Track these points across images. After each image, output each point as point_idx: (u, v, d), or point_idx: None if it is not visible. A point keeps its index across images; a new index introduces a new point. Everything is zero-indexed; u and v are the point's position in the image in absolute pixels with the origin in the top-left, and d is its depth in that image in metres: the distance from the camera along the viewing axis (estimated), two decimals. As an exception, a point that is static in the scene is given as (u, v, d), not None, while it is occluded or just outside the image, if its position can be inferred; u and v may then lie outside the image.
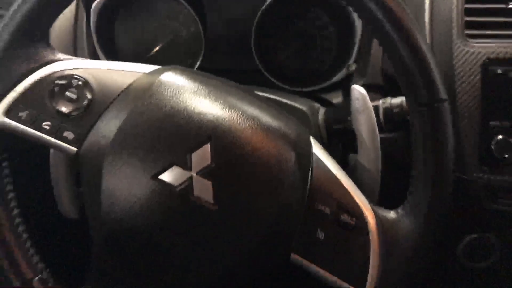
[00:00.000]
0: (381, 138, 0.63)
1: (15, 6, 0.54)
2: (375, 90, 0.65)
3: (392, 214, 0.56)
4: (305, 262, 0.54)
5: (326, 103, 0.81)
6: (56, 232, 0.88)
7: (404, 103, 0.64)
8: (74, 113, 0.54)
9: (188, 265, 0.52)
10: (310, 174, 0.54)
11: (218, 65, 0.89)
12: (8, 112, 0.53)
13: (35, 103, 0.54)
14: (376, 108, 0.64)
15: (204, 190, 0.50)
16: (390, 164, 0.65)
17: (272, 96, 0.73)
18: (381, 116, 0.65)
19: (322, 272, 0.54)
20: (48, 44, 0.57)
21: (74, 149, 0.53)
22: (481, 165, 0.71)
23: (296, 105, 0.73)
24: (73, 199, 0.68)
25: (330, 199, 0.54)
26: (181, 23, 0.88)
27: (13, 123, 0.54)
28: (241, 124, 0.52)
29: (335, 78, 0.82)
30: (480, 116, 0.70)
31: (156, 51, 0.89)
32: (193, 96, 0.53)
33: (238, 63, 0.90)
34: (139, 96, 0.53)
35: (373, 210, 0.55)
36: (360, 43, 0.80)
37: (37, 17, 0.55)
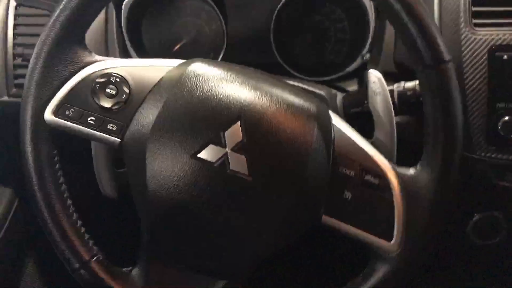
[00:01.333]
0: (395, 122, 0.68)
1: (54, 14, 0.60)
2: (388, 77, 0.69)
3: (411, 171, 0.60)
4: (335, 222, 0.59)
5: (342, 91, 0.85)
6: (99, 213, 0.94)
7: (417, 87, 0.69)
8: (115, 107, 0.59)
9: (231, 232, 0.58)
10: (332, 142, 0.59)
11: (239, 60, 0.94)
12: (57, 112, 0.59)
13: (80, 101, 0.60)
14: (391, 92, 0.69)
15: (238, 163, 0.56)
16: (402, 146, 0.70)
17: (291, 82, 0.79)
18: (395, 99, 0.70)
19: (352, 229, 0.59)
20: (85, 47, 0.63)
21: (118, 139, 0.59)
22: (488, 145, 0.75)
23: (315, 90, 0.79)
24: (112, 181, 0.74)
25: (353, 163, 0.59)
26: (204, 20, 0.93)
27: (62, 121, 0.60)
28: (266, 103, 0.58)
29: (350, 68, 0.87)
30: (487, 99, 0.74)
31: (180, 46, 0.94)
32: (220, 81, 0.59)
33: (257, 57, 0.94)
34: (172, 86, 0.59)
35: (394, 169, 0.60)
36: (373, 34, 0.85)
37: (75, 23, 0.60)
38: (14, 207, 0.96)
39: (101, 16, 0.86)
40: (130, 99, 0.60)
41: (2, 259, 0.92)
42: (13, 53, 0.86)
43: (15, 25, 0.87)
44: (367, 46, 0.86)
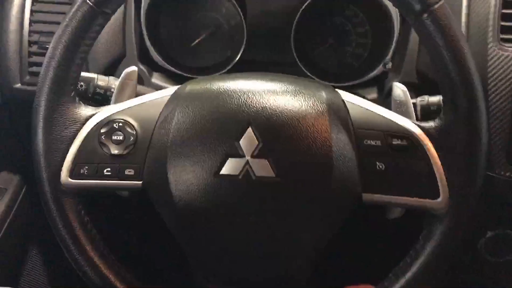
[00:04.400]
0: None
1: (39, 81, 0.59)
2: (409, 88, 0.68)
3: (436, 123, 0.58)
4: (377, 196, 0.57)
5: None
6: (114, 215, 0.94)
7: (441, 102, 0.68)
8: (127, 151, 0.59)
9: (278, 238, 0.57)
10: (349, 119, 0.58)
11: (256, 57, 0.93)
12: (72, 174, 0.59)
13: (91, 156, 0.59)
14: (414, 105, 0.68)
15: (262, 168, 0.55)
16: None
17: None
18: (418, 113, 0.68)
19: (395, 199, 0.57)
20: (79, 101, 0.62)
21: (138, 182, 0.59)
22: (509, 164, 0.74)
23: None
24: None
25: (376, 132, 0.57)
26: (223, 16, 0.92)
27: (80, 181, 0.59)
28: (272, 101, 0.57)
29: (371, 75, 0.85)
30: (511, 117, 0.73)
31: (198, 42, 0.93)
32: (220, 93, 0.58)
33: (276, 56, 0.93)
34: (175, 111, 0.58)
35: (418, 125, 0.58)
36: (397, 42, 0.84)
37: (62, 82, 0.59)
38: (21, 195, 0.95)
39: (119, 11, 0.85)
40: (138, 139, 0.59)
41: (8, 248, 0.91)
42: (29, 40, 0.84)
43: (32, 12, 0.85)
44: (390, 54, 0.84)
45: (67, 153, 0.59)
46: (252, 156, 0.55)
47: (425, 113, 0.69)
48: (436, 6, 0.54)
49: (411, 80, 0.81)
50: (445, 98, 0.57)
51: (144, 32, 0.87)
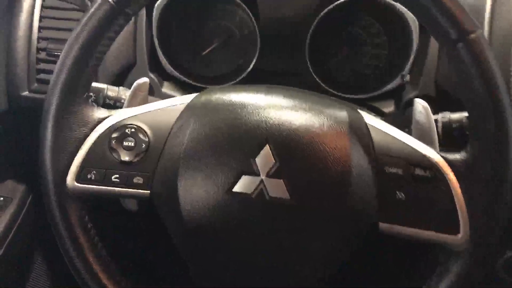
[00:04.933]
0: None
1: (52, 80, 0.57)
2: (427, 102, 0.65)
3: (462, 155, 0.55)
4: (394, 227, 0.54)
5: (377, 112, 0.82)
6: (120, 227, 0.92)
7: (464, 119, 0.65)
8: (137, 159, 0.57)
9: (287, 260, 0.55)
10: (371, 144, 0.55)
11: (270, 67, 0.91)
12: (78, 178, 0.57)
13: (100, 161, 0.57)
14: (435, 122, 0.65)
15: (277, 188, 0.53)
16: None
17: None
18: (439, 129, 0.66)
19: (413, 231, 0.54)
20: (92, 104, 0.60)
21: (146, 191, 0.57)
22: None
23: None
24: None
25: (398, 160, 0.54)
26: (236, 25, 0.90)
27: (86, 186, 0.57)
28: (292, 119, 0.55)
29: (388, 87, 0.83)
30: None
31: (210, 51, 0.91)
32: (239, 107, 0.56)
33: (289, 65, 0.91)
34: (190, 122, 0.56)
35: (442, 156, 0.55)
36: (416, 54, 0.81)
37: (75, 82, 0.57)
38: (26, 205, 0.94)
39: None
40: (150, 147, 0.57)
41: (13, 257, 0.90)
42: (37, 47, 0.83)
43: (41, 18, 0.84)
44: (408, 66, 0.81)
45: (75, 156, 0.57)
46: (268, 176, 0.53)
47: (446, 130, 0.66)
48: (473, 35, 0.51)
49: (430, 93, 0.79)
50: (473, 129, 0.55)
51: (155, 40, 0.85)
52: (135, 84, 0.66)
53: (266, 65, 0.89)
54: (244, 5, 0.84)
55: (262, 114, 0.55)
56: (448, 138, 0.66)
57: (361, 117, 0.57)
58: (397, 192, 0.54)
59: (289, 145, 0.53)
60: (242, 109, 0.56)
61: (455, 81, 0.55)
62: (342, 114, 0.56)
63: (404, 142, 0.55)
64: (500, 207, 0.53)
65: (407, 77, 0.81)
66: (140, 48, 0.84)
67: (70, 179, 0.57)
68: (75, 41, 0.56)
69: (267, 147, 0.53)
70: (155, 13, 0.85)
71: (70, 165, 0.57)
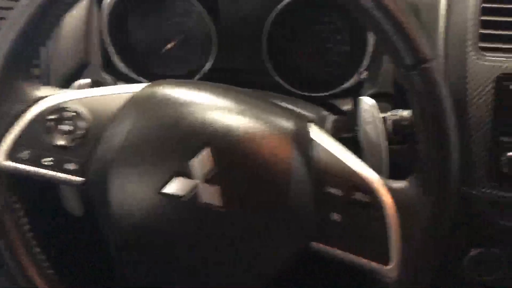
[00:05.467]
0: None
1: None
2: (385, 100, 0.64)
3: (405, 186, 0.54)
4: (326, 247, 0.53)
5: (336, 110, 0.80)
6: (62, 231, 0.89)
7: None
8: (72, 144, 0.55)
9: (210, 269, 0.53)
10: (312, 160, 0.53)
11: (230, 65, 0.89)
12: (10, 155, 0.55)
13: (33, 142, 0.55)
14: (384, 119, 0.64)
15: (210, 195, 0.51)
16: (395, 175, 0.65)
17: (278, 102, 0.73)
18: (389, 127, 0.64)
19: (344, 255, 0.53)
20: (33, 80, 0.58)
21: (79, 179, 0.55)
22: (489, 181, 0.70)
23: (304, 112, 0.73)
24: (77, 197, 0.69)
25: (339, 180, 0.53)
26: (194, 22, 0.88)
27: (17, 165, 0.55)
28: (237, 124, 0.53)
29: (346, 85, 0.81)
30: (491, 131, 0.68)
31: (169, 49, 0.89)
32: (183, 105, 0.54)
33: (249, 64, 0.89)
34: (132, 115, 0.54)
35: (385, 183, 0.54)
36: (373, 51, 0.79)
37: (18, 56, 0.55)
38: None
39: (82, 15, 0.81)
40: (87, 134, 0.55)
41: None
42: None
43: None
44: (365, 63, 0.79)
45: (7, 132, 0.55)
46: (203, 180, 0.51)
47: (396, 127, 0.64)
48: (427, 64, 0.50)
49: (388, 91, 0.77)
50: (419, 161, 0.54)
51: (106, 39, 0.83)
52: (75, 84, 0.64)
53: (226, 63, 0.87)
54: (200, 2, 0.82)
55: (208, 116, 0.53)
56: (399, 135, 0.65)
57: (308, 132, 0.55)
58: (334, 213, 0.53)
59: (230, 151, 0.52)
60: (187, 108, 0.54)
61: None
62: (288, 125, 0.54)
63: (347, 163, 0.54)
64: (431, 246, 0.53)
65: (364, 74, 0.80)
66: (92, 47, 0.82)
67: (0, 155, 0.55)
68: (21, 12, 0.54)
69: (207, 150, 0.52)
70: (106, 10, 0.82)
71: (1, 141, 0.55)
